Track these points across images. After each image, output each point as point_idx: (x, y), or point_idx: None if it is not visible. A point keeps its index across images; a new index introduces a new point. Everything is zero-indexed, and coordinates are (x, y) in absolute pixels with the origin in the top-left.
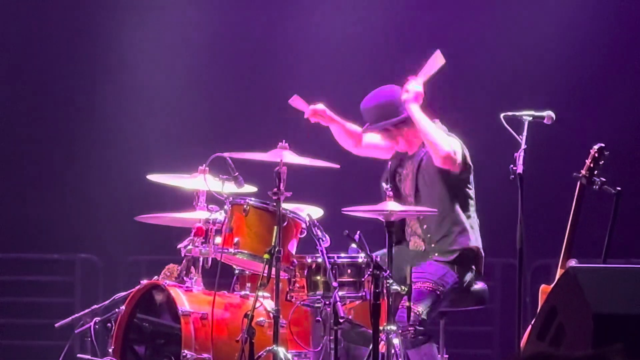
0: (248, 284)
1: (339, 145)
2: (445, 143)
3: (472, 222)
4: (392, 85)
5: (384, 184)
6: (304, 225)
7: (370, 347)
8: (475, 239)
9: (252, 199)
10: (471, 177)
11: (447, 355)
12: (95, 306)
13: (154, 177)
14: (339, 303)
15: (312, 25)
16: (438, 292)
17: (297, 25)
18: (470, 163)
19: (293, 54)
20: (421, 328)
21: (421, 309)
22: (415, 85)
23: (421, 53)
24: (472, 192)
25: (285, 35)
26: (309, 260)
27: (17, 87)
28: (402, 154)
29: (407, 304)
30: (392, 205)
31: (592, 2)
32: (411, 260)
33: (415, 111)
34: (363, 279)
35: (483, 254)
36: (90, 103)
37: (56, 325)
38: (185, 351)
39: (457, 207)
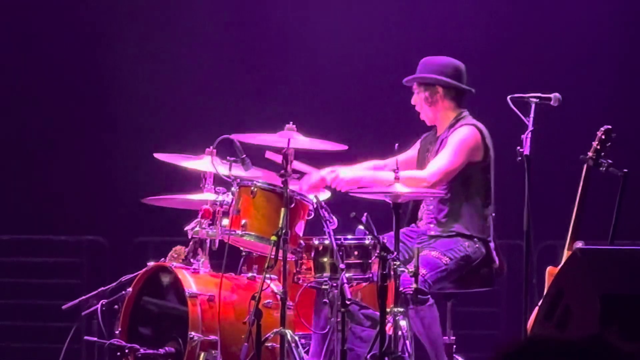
0: (255, 266)
1: (346, 126)
2: (416, 180)
3: (485, 211)
4: (457, 62)
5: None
6: (311, 207)
7: (377, 329)
8: (480, 229)
9: (260, 180)
10: (491, 165)
11: (454, 337)
12: (102, 288)
13: (160, 156)
14: (346, 285)
15: (324, 8)
16: (444, 262)
17: (309, 7)
18: (492, 153)
19: (302, 36)
20: (423, 289)
21: (425, 271)
22: (325, 177)
23: (432, 38)
24: (490, 181)
25: (296, 17)
26: (316, 242)
27: (24, 68)
28: (433, 135)
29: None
30: (399, 187)
31: None
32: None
33: (366, 180)
34: (370, 261)
35: (492, 244)
36: (98, 83)
37: (63, 307)
38: (192, 333)
39: (471, 194)
